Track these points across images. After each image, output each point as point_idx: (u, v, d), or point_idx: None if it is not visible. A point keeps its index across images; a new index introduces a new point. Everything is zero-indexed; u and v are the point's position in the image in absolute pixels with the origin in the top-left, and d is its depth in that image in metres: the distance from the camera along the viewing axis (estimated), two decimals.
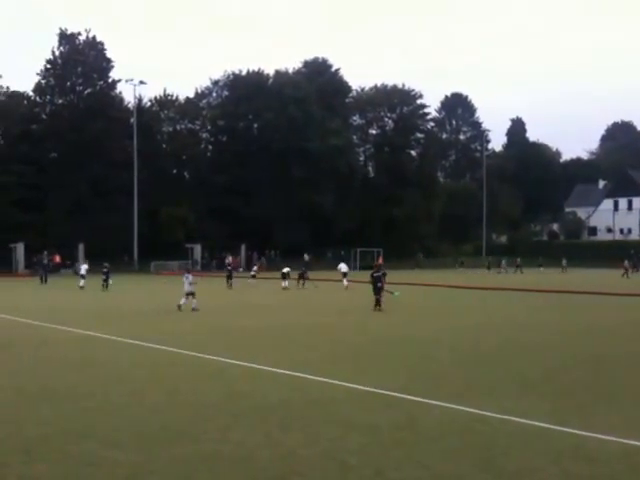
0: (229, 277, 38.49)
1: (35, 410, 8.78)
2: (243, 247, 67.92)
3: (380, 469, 6.45)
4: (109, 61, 67.73)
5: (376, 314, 22.34)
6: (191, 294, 23.22)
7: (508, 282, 41.32)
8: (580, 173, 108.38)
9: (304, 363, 12.25)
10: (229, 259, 65.97)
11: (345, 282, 36.11)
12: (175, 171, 74.98)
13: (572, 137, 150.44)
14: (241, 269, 60.33)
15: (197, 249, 66.17)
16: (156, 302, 28.15)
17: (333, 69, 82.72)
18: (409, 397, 9.46)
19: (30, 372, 11.55)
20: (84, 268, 39.87)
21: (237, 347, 14.44)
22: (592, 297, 30.49)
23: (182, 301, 23.06)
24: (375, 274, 23.96)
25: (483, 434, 7.69)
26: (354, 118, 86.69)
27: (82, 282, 37.04)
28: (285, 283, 36.15)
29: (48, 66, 66.22)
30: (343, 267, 37.81)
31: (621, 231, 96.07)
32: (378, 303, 23.24)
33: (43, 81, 66.54)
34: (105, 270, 36.66)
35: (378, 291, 23.47)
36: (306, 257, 60.38)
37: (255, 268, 44.31)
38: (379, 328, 18.43)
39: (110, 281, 36.31)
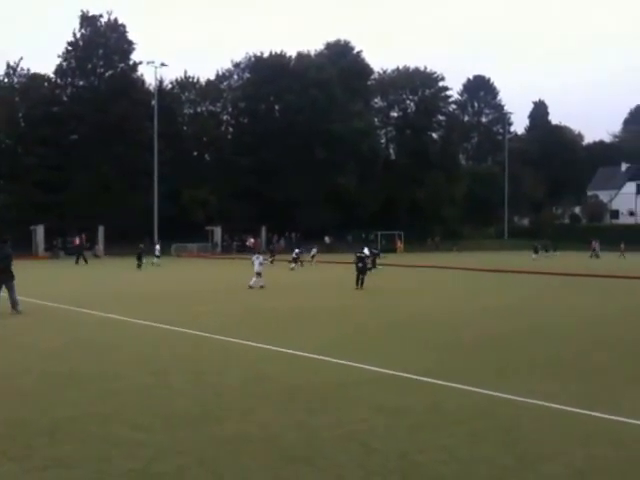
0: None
1: (60, 392, 8.86)
2: (264, 229, 68.03)
3: (404, 452, 6.44)
4: (130, 43, 67.75)
5: (400, 296, 22.43)
6: (258, 274, 24.39)
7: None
8: (603, 156, 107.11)
9: (329, 346, 12.25)
10: (250, 241, 66.36)
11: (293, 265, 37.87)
12: (196, 153, 75.10)
13: (595, 120, 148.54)
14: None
15: (217, 231, 66.38)
16: (180, 284, 28.39)
17: (355, 51, 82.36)
18: (434, 380, 9.44)
19: (56, 355, 11.65)
20: (157, 249, 42.78)
21: (261, 330, 14.46)
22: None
23: (252, 281, 24.32)
24: (358, 254, 25.18)
25: (508, 417, 7.66)
26: (375, 100, 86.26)
27: (157, 260, 40.29)
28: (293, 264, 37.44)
29: (69, 48, 66.37)
30: (313, 251, 41.40)
31: None
32: (361, 281, 24.37)
33: (64, 63, 66.69)
34: (139, 251, 37.91)
35: (362, 270, 24.62)
36: (327, 240, 60.48)
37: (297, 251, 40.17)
38: (402, 310, 18.35)
39: (157, 260, 37.88)
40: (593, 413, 7.77)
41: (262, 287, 24.14)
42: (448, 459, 6.27)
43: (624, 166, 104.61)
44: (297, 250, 38.70)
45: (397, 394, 8.72)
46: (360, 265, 24.82)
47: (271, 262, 40.87)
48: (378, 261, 37.34)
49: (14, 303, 16.90)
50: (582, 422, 7.51)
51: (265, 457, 6.28)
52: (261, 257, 25.45)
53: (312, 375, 9.86)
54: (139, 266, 36.81)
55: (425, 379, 9.52)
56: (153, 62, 64.23)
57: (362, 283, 24.48)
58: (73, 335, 13.84)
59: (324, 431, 7.06)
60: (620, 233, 72.68)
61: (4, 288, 17.13)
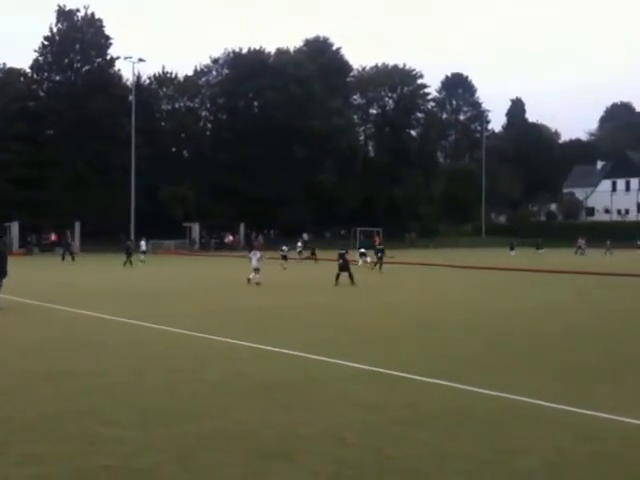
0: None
1: (37, 390, 8.80)
2: (242, 226, 67.85)
3: (380, 446, 6.49)
4: (107, 38, 67.26)
5: (385, 294, 22.55)
6: (257, 270, 24.65)
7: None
8: (579, 154, 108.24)
9: (308, 343, 12.24)
10: (229, 238, 66.21)
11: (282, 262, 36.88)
12: (174, 149, 74.72)
13: (571, 118, 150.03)
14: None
15: (195, 228, 66.06)
16: (162, 282, 28.17)
17: (334, 48, 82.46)
18: (411, 376, 9.50)
19: (33, 353, 11.55)
20: (143, 244, 41.88)
21: (244, 327, 14.43)
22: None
23: (251, 275, 24.60)
24: (340, 252, 25.97)
25: (482, 412, 7.74)
26: (355, 97, 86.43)
27: (143, 257, 39.41)
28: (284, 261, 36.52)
29: (46, 43, 65.76)
30: (299, 246, 42.25)
31: (618, 212, 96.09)
32: (350, 277, 24.80)
33: (41, 58, 66.06)
34: (127, 247, 37.67)
35: (343, 268, 25.18)
36: (305, 236, 60.45)
37: (285, 248, 38.31)
38: (387, 307, 18.41)
39: (142, 257, 37.54)
40: (567, 408, 7.88)
41: (258, 284, 24.16)
42: (424, 453, 6.33)
43: (600, 164, 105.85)
44: (285, 247, 37.92)
45: (376, 390, 8.78)
46: (341, 262, 25.19)
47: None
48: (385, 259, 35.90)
49: None
50: (556, 417, 7.60)
51: (242, 454, 6.29)
52: (258, 253, 25.61)
53: (290, 372, 9.88)
54: (129, 263, 36.41)
55: (404, 375, 9.59)
56: (130, 57, 63.93)
57: (351, 278, 24.78)
58: (50, 333, 13.74)
59: (301, 427, 7.08)
60: (601, 230, 73.48)
61: None
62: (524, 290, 24.83)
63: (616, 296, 22.83)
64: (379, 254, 34.61)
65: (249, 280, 24.41)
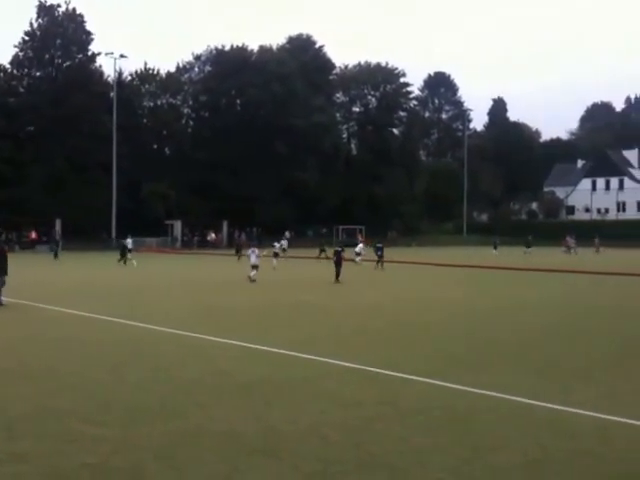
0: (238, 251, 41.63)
1: (17, 388, 8.75)
2: (225, 224, 67.65)
3: (360, 443, 6.53)
4: (89, 34, 66.62)
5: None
6: (255, 267, 24.94)
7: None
8: (559, 153, 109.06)
9: (293, 341, 12.25)
10: (212, 236, 65.98)
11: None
12: (156, 146, 74.20)
13: (552, 117, 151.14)
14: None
15: (177, 226, 65.74)
16: (143, 280, 27.91)
17: (317, 46, 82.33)
18: (391, 373, 9.56)
19: (14, 351, 11.48)
20: (130, 242, 40.93)
21: (222, 325, 14.43)
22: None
23: (252, 273, 24.87)
24: (336, 249, 26.46)
25: (463, 409, 7.81)
26: (337, 95, 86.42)
27: (129, 255, 38.56)
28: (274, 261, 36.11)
29: (26, 38, 64.97)
30: (284, 243, 41.11)
31: (598, 211, 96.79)
32: (336, 275, 25.19)
33: (21, 53, 65.29)
34: (122, 247, 37.38)
35: (337, 264, 25.48)
36: (287, 234, 60.45)
37: (277, 245, 37.36)
38: (371, 307, 18.39)
39: (129, 256, 37.17)
40: (545, 404, 7.96)
41: (254, 281, 24.43)
42: (404, 450, 6.38)
43: (580, 163, 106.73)
44: (276, 244, 37.20)
45: (357, 387, 8.83)
46: (335, 259, 25.59)
47: (238, 258, 39.93)
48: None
49: None
50: (534, 413, 7.69)
51: (225, 451, 6.30)
52: (257, 250, 25.81)
53: (271, 369, 9.90)
54: (124, 261, 36.29)
55: (383, 371, 9.65)
56: (112, 53, 63.37)
57: (338, 276, 25.00)
58: (31, 331, 13.64)
59: (282, 424, 7.11)
60: (583, 229, 73.86)
61: None
62: (516, 289, 24.87)
63: (606, 294, 23.04)
64: (379, 253, 34.62)
65: (251, 279, 24.63)
